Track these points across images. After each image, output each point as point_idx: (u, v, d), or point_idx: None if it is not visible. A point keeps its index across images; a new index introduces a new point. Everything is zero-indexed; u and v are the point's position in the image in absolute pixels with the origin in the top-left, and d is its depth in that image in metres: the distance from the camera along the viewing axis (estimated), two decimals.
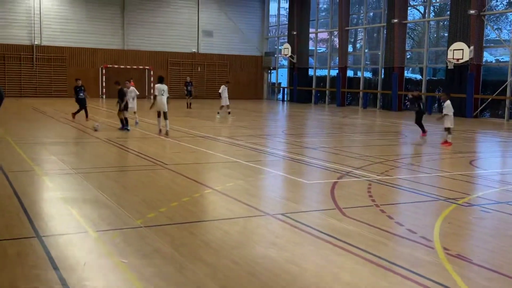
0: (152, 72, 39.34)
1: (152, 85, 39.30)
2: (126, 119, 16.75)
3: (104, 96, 37.57)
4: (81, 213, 6.80)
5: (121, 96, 16.83)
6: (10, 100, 26.91)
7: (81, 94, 19.68)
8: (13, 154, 11.68)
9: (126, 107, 16.84)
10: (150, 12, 39.25)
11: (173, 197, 7.78)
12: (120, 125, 16.88)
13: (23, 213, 6.67)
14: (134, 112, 18.21)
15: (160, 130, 15.89)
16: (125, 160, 11.47)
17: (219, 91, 24.00)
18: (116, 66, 38.05)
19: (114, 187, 8.41)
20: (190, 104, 28.44)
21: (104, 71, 37.83)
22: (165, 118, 15.80)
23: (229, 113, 23.77)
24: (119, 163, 11.11)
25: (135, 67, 38.80)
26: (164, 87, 16.08)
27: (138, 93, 18.96)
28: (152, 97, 16.58)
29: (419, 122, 17.04)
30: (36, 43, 36.17)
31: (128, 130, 16.51)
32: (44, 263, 4.94)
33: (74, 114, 19.78)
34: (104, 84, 37.89)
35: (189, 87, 28.58)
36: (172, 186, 8.74)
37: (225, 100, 23.55)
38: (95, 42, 37.79)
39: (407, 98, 22.27)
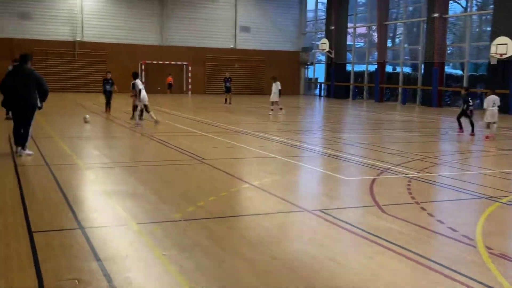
0: (190, 68, 39.69)
1: (189, 80, 39.73)
2: (141, 111, 17.20)
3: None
4: (122, 206, 6.93)
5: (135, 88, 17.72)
6: (52, 95, 27.56)
7: (107, 86, 20.24)
8: (57, 147, 11.98)
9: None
10: (188, 8, 39.59)
11: (211, 192, 7.84)
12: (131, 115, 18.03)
13: (67, 205, 6.84)
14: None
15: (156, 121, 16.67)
16: (164, 154, 11.62)
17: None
18: (154, 62, 38.53)
19: (154, 181, 8.53)
20: (230, 100, 28.44)
21: (143, 66, 38.36)
22: (148, 111, 16.86)
23: (280, 109, 23.15)
24: (158, 157, 11.26)
25: (173, 62, 39.21)
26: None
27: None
28: (138, 93, 16.92)
29: (458, 118, 16.71)
30: (78, 39, 36.96)
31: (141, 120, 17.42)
32: (87, 254, 5.06)
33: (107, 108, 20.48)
34: (143, 80, 38.35)
35: (228, 83, 28.58)
36: (210, 180, 8.81)
37: (272, 96, 23.29)
38: (135, 38, 38.37)
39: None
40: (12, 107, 10.59)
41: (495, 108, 15.52)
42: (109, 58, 37.73)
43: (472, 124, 16.28)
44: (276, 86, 23.23)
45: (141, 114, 17.20)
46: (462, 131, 16.53)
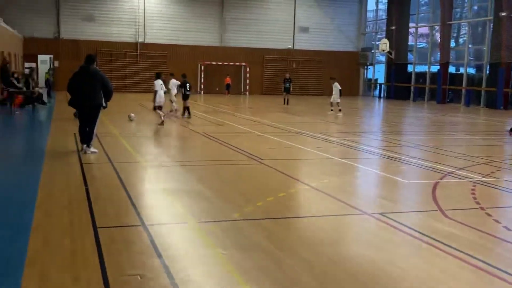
0: (248, 69, 39.95)
1: (247, 81, 40.00)
2: (188, 107, 18.91)
3: (202, 92, 38.68)
4: (183, 204, 7.06)
5: (184, 86, 19.15)
6: (115, 95, 28.38)
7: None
8: (120, 146, 12.34)
9: (187, 97, 19.11)
10: (247, 9, 39.86)
11: (269, 192, 7.86)
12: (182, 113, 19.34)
13: (130, 202, 7.04)
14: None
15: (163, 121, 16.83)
16: (222, 154, 11.75)
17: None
18: (213, 62, 39.03)
19: (213, 180, 8.64)
20: (287, 100, 28.31)
21: (202, 67, 38.93)
22: (160, 109, 17.13)
23: (339, 110, 23.28)
24: (217, 156, 11.39)
25: (231, 63, 39.58)
26: (161, 81, 17.38)
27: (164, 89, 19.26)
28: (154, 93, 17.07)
29: None
30: (140, 40, 37.94)
31: (188, 117, 18.95)
32: (149, 251, 5.18)
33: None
34: (202, 80, 39.02)
35: (287, 84, 28.44)
36: (268, 181, 8.84)
37: (332, 97, 23.43)
38: (195, 39, 38.99)
39: None
40: (78, 106, 10.99)
41: None
42: (170, 59, 38.52)
43: None
44: (335, 87, 23.24)
45: (185, 112, 18.78)
46: None
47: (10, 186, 8.21)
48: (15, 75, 23.29)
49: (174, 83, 20.21)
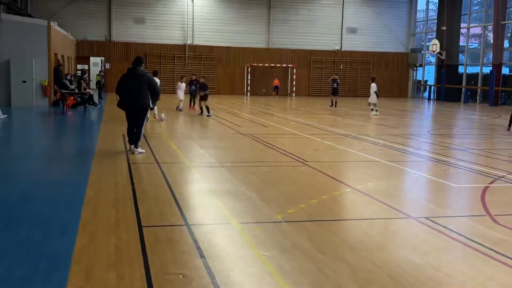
0: (294, 70, 39.87)
1: (294, 83, 39.93)
2: (207, 107, 20.03)
3: (248, 94, 38.86)
4: (226, 205, 7.11)
5: (204, 88, 20.24)
6: (164, 96, 28.87)
7: (193, 87, 22.77)
8: (166, 146, 12.54)
9: (205, 97, 20.13)
10: (294, 10, 39.80)
11: (312, 194, 7.81)
12: (199, 112, 20.53)
13: (174, 202, 7.14)
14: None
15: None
16: (266, 155, 11.76)
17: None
18: (260, 64, 39.16)
19: (257, 181, 8.66)
20: (335, 103, 27.92)
21: (249, 69, 39.12)
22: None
23: (371, 110, 23.31)
24: (261, 158, 11.41)
25: (278, 65, 39.60)
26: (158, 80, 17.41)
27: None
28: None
29: None
30: (188, 42, 38.47)
31: (209, 115, 19.88)
32: (192, 250, 5.24)
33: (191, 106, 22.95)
34: (249, 82, 39.20)
35: (335, 85, 28.05)
36: (311, 183, 8.79)
37: (371, 97, 23.35)
38: (242, 41, 39.23)
39: None
40: (126, 107, 11.23)
41: None
42: (217, 60, 38.90)
43: None
44: (371, 88, 23.31)
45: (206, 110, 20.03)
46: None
47: (60, 184, 8.47)
48: (68, 77, 24.03)
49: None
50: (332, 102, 27.98)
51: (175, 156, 11.28)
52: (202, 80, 21.37)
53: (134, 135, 11.03)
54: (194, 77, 23.40)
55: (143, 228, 5.93)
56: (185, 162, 10.57)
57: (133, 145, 11.03)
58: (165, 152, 11.58)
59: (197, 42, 38.70)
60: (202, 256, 5.07)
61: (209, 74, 38.51)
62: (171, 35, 38.41)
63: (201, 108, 20.47)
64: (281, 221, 6.30)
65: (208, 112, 20.07)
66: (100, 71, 35.14)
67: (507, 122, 18.77)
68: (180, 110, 22.13)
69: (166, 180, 8.53)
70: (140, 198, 7.24)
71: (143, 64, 11.32)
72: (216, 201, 7.38)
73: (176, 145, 12.67)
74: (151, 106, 11.20)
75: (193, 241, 5.52)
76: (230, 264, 4.97)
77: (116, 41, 37.43)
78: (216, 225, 6.26)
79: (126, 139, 11.43)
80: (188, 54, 38.53)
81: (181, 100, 22.31)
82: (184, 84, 22.63)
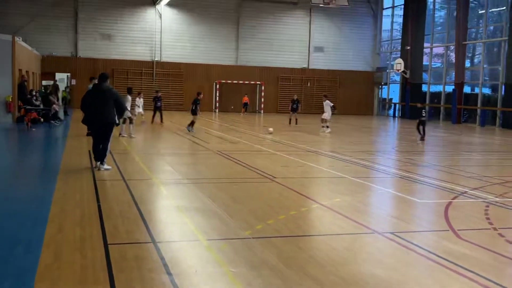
0: (263, 87, 40.13)
1: (262, 100, 40.15)
2: (193, 122, 20.48)
3: (217, 110, 38.87)
4: (193, 222, 7.08)
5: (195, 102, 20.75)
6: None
7: (158, 103, 24.42)
8: (133, 163, 12.43)
9: (194, 112, 20.65)
10: (262, 29, 40.17)
11: (280, 210, 7.85)
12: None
13: (141, 219, 7.07)
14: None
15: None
16: (235, 171, 11.77)
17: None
18: (229, 81, 39.29)
19: (225, 198, 8.65)
20: (296, 120, 27.92)
21: (217, 86, 39.19)
22: (127, 122, 17.81)
23: (322, 126, 23.69)
24: (229, 174, 11.42)
25: (247, 82, 39.80)
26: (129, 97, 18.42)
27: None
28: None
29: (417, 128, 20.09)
30: (156, 59, 38.37)
31: (189, 131, 20.25)
32: (159, 268, 5.20)
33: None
34: (217, 99, 39.24)
35: (294, 105, 28.14)
36: (279, 199, 8.83)
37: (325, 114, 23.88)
38: (210, 58, 39.33)
39: None
40: (92, 123, 11.10)
41: None
42: (185, 77, 38.85)
43: (423, 132, 20.12)
44: (327, 104, 23.87)
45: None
46: (423, 139, 19.90)
47: (24, 201, 8.29)
48: (33, 93, 23.64)
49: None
50: (290, 120, 27.90)
51: (142, 172, 11.19)
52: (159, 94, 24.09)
53: (101, 152, 10.91)
54: (159, 94, 24.69)
55: (109, 245, 5.85)
56: (152, 178, 10.50)
57: (99, 162, 10.90)
58: (132, 169, 11.48)
59: (165, 58, 38.63)
60: (169, 273, 5.03)
61: (177, 90, 38.44)
62: (138, 51, 38.25)
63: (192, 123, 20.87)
64: (249, 238, 6.31)
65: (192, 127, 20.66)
66: (66, 87, 34.67)
67: (469, 139, 19.26)
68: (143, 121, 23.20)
69: (133, 197, 8.45)
70: (106, 215, 7.15)
71: (108, 80, 11.24)
72: (184, 218, 7.35)
73: (143, 162, 12.57)
74: (117, 122, 11.10)
75: (160, 258, 5.48)
76: (198, 281, 4.94)
77: (82, 57, 37.05)
78: (183, 242, 6.22)
79: (92, 155, 11.29)
80: (155, 71, 38.40)
81: (142, 114, 22.93)
82: (142, 100, 23.10)
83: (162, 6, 38.05)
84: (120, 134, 17.74)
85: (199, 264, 5.42)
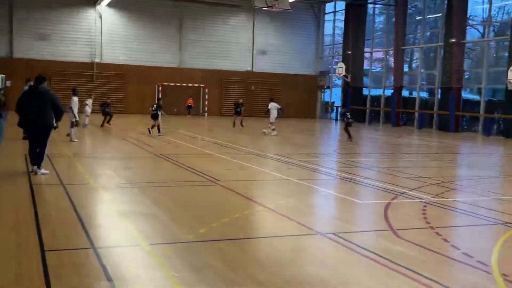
0: (206, 90, 39.97)
1: (206, 102, 39.99)
2: (158, 126, 20.91)
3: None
4: (135, 226, 6.94)
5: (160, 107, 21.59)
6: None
7: (106, 109, 24.63)
8: (72, 167, 12.08)
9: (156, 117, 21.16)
10: (206, 31, 40.01)
11: (224, 213, 7.82)
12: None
13: (80, 224, 6.86)
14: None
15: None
16: (178, 175, 11.65)
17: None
18: (171, 84, 38.90)
19: (168, 202, 8.54)
20: (241, 122, 27.93)
21: (160, 88, 38.73)
22: (74, 126, 17.31)
23: (272, 129, 23.74)
24: (173, 178, 11.28)
25: (190, 85, 39.54)
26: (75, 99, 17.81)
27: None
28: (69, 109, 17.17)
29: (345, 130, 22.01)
30: (96, 60, 37.51)
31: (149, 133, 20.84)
32: (99, 274, 5.05)
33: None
34: (161, 102, 38.64)
35: (238, 108, 28.14)
36: (223, 202, 8.80)
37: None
38: (153, 60, 38.82)
39: None
40: (28, 127, 10.71)
41: None
42: (127, 79, 38.18)
43: (349, 133, 21.70)
44: (273, 107, 24.19)
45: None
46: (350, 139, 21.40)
47: None
48: None
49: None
50: (234, 123, 27.93)
51: (82, 177, 10.89)
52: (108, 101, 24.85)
53: (37, 156, 10.53)
54: (108, 101, 25.48)
55: (46, 252, 5.64)
56: (92, 183, 10.23)
57: (35, 166, 10.52)
58: (71, 173, 11.15)
59: (106, 60, 37.81)
60: (110, 279, 4.90)
61: (119, 93, 37.67)
62: (77, 53, 37.24)
63: (154, 126, 21.22)
64: (193, 241, 6.25)
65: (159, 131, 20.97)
66: (1, 89, 33.27)
67: (408, 141, 19.87)
68: (86, 125, 22.98)
69: (72, 202, 8.20)
70: (43, 221, 6.89)
71: (45, 82, 10.88)
72: (125, 222, 7.19)
73: (83, 166, 12.24)
74: (55, 125, 10.74)
75: (100, 264, 5.33)
76: (140, 287, 4.84)
77: (18, 58, 35.74)
78: (124, 247, 6.08)
79: (29, 159, 10.88)
80: (95, 72, 37.52)
81: (87, 116, 23.39)
82: (91, 101, 23.74)
83: (102, 7, 37.25)
84: (71, 139, 17.14)
85: (140, 269, 5.31)
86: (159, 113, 21.39)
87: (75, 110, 17.23)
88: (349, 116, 22.63)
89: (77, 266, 5.25)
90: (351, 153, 18.29)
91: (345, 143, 20.92)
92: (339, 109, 41.60)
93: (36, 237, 6.19)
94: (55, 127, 10.74)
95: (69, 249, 5.84)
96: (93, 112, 24.53)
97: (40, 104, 10.41)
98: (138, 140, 18.60)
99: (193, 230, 6.75)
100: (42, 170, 10.54)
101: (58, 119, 10.75)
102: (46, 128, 10.55)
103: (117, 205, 8.38)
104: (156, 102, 22.31)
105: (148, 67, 38.69)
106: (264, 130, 23.67)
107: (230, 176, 11.60)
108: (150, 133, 21.01)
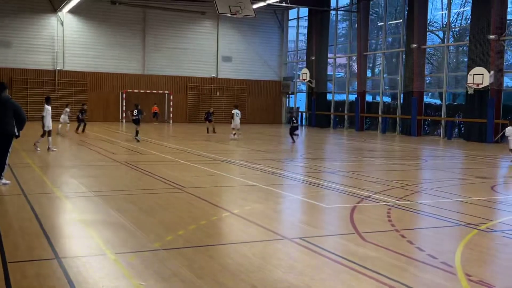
0: (171, 97, 39.74)
1: (171, 109, 39.74)
2: (137, 131, 21.92)
3: (124, 121, 37.95)
4: (100, 236, 6.83)
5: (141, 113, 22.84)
6: (32, 124, 27.27)
7: (80, 115, 25.89)
8: (34, 176, 11.82)
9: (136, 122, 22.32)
10: (170, 38, 39.82)
11: (191, 220, 7.77)
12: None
13: (43, 235, 6.72)
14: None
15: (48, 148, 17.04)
16: (143, 183, 11.53)
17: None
18: (136, 90, 38.53)
19: (133, 210, 8.44)
20: (214, 128, 28.37)
21: (124, 95, 38.32)
22: (49, 135, 17.24)
23: (234, 134, 24.45)
24: (138, 186, 11.16)
25: (154, 91, 39.25)
26: (48, 108, 17.42)
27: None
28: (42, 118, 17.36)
29: (290, 134, 23.72)
30: (58, 68, 36.86)
31: (137, 140, 21.53)
32: (63, 285, 4.95)
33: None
34: (124, 108, 38.33)
35: (210, 117, 28.57)
36: (190, 209, 8.75)
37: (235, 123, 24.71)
38: (116, 67, 38.41)
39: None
40: None
41: None
42: (90, 87, 37.65)
43: (294, 136, 23.60)
44: (237, 114, 24.85)
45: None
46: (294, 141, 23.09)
47: None
48: None
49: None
50: (208, 129, 28.23)
51: (44, 186, 10.66)
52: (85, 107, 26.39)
53: None
54: (85, 107, 26.75)
55: (8, 264, 5.50)
56: (55, 192, 10.02)
57: None
58: (33, 183, 10.91)
59: (68, 67, 37.21)
60: None
61: (81, 100, 37.06)
62: (39, 60, 36.54)
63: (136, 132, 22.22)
64: (159, 249, 6.18)
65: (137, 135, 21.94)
66: None
67: (372, 146, 20.12)
68: (58, 133, 23.44)
69: (34, 212, 8.02)
70: (5, 232, 6.72)
71: (7, 90, 10.63)
72: (89, 232, 7.07)
73: (46, 175, 11.99)
74: (16, 133, 10.50)
75: (64, 275, 5.22)
76: None
77: None
78: (89, 257, 5.98)
79: None
80: (58, 80, 36.88)
81: (68, 123, 24.96)
82: (69, 110, 25.30)
83: (64, 13, 36.68)
84: (48, 148, 16.95)
85: (106, 278, 5.22)
86: (140, 117, 22.38)
87: (49, 119, 16.92)
88: (294, 121, 24.25)
89: (41, 277, 5.14)
90: (316, 158, 18.44)
91: (319, 150, 21.06)
92: (304, 114, 41.99)
93: None
94: (17, 136, 10.50)
95: (32, 260, 5.71)
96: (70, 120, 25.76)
97: (2, 112, 10.17)
98: (100, 148, 18.33)
99: (159, 238, 6.69)
100: (3, 180, 10.28)
101: (20, 127, 10.51)
102: (8, 137, 10.31)
103: (81, 214, 8.23)
104: (136, 108, 22.83)
105: (112, 74, 38.27)
106: (232, 137, 23.90)
107: (197, 183, 11.55)
108: (138, 141, 21.46)
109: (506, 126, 18.46)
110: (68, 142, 21.29)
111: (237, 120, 24.50)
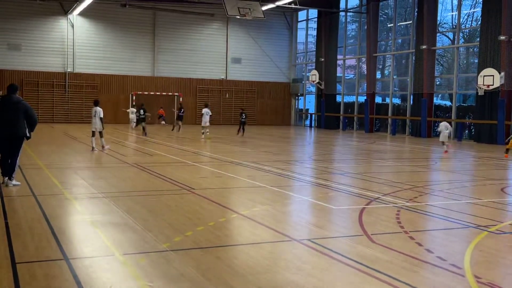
0: (181, 99, 39.84)
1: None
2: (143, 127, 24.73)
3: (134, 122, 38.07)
4: (109, 237, 6.85)
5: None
6: (42, 126, 27.48)
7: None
8: (44, 178, 11.89)
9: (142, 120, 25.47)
10: (180, 40, 39.96)
11: (199, 222, 7.78)
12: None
13: (52, 235, 6.75)
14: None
15: (92, 148, 17.71)
16: (152, 184, 11.55)
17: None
18: (145, 92, 38.68)
19: (141, 211, 8.46)
20: (243, 130, 28.63)
21: (134, 97, 38.47)
22: (101, 136, 17.84)
23: (202, 133, 25.42)
24: (147, 187, 11.19)
25: (164, 93, 39.37)
26: (97, 109, 17.71)
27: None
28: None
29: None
30: (69, 70, 37.09)
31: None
32: (71, 286, 4.97)
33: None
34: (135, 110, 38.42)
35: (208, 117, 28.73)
36: (198, 210, 8.75)
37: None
38: (126, 69, 38.59)
39: None
40: (0, 137, 10.51)
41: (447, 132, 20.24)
42: (100, 88, 37.85)
43: (243, 130, 26.57)
44: (207, 113, 25.79)
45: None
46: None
47: None
48: None
49: None
50: (239, 130, 28.21)
51: (54, 187, 10.72)
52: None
53: (9, 166, 10.34)
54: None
55: (17, 264, 5.53)
56: (65, 193, 10.07)
57: (7, 177, 10.33)
58: (43, 184, 10.97)
59: (78, 69, 37.45)
60: None
61: (91, 102, 37.21)
62: (50, 62, 36.81)
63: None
64: (167, 250, 6.19)
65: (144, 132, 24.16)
66: None
67: (381, 147, 20.07)
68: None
69: (44, 213, 8.07)
70: (14, 233, 6.77)
71: (18, 92, 10.72)
72: (98, 233, 7.10)
73: (55, 177, 12.06)
74: (28, 135, 10.57)
75: (72, 275, 5.25)
76: None
77: None
78: (97, 258, 6.00)
79: (0, 170, 10.68)
80: (68, 82, 37.10)
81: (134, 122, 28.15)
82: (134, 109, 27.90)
83: (74, 16, 36.92)
84: (102, 147, 17.80)
85: (114, 279, 5.24)
86: (145, 116, 24.27)
87: (102, 120, 17.66)
88: (243, 117, 27.07)
89: (49, 278, 5.16)
90: (325, 160, 18.40)
91: (328, 152, 20.94)
92: (313, 116, 41.93)
93: (7, 249, 6.07)
94: (28, 137, 10.57)
95: (41, 261, 5.74)
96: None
97: (14, 114, 10.25)
98: (110, 149, 18.41)
99: (168, 239, 6.70)
100: (14, 182, 10.35)
101: (32, 129, 10.59)
102: (19, 139, 10.38)
103: (89, 215, 8.27)
104: (142, 107, 24.79)
105: (122, 76, 38.45)
106: (203, 137, 24.92)
107: (205, 184, 11.56)
108: (146, 135, 24.18)
109: None
110: (79, 144, 21.38)
111: (206, 118, 25.34)
